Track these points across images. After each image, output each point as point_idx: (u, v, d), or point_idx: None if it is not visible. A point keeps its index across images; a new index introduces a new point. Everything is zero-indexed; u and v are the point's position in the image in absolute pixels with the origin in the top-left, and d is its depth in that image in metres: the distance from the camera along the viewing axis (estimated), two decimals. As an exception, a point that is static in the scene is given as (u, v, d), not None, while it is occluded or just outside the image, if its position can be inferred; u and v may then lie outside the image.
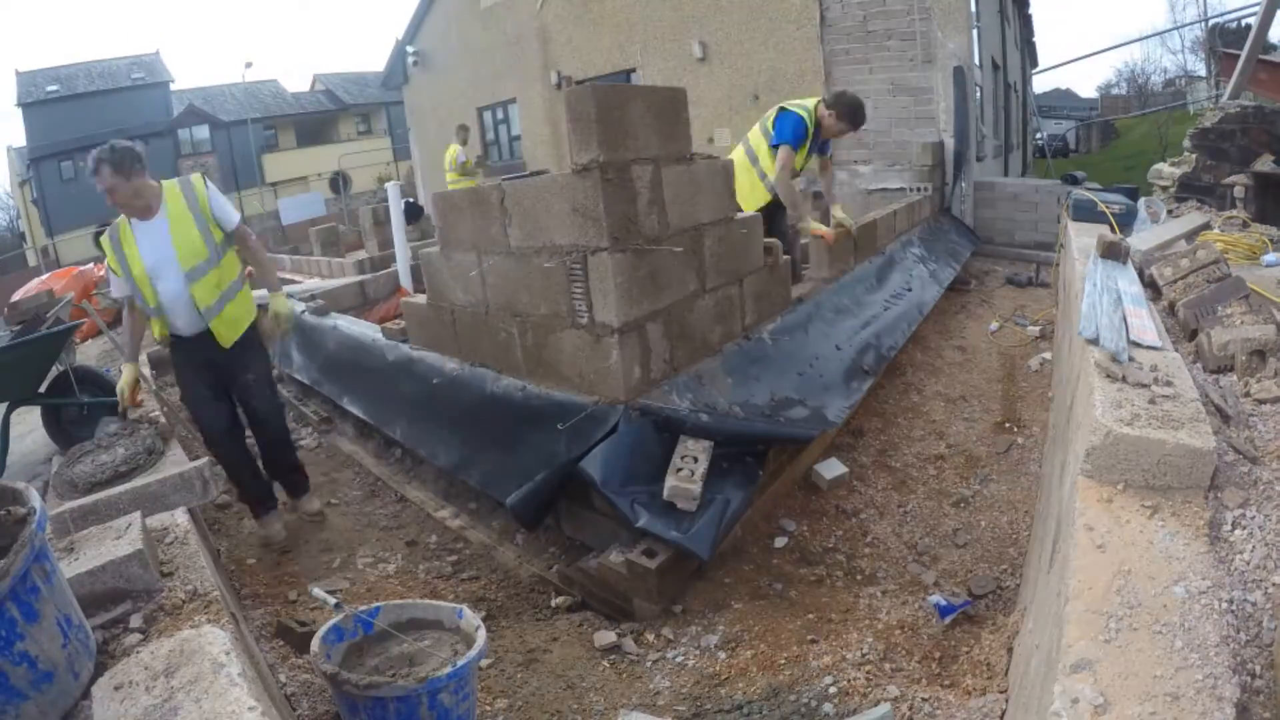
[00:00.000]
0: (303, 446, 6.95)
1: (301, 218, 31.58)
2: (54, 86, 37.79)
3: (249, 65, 78.58)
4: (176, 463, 4.40)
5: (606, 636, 3.63)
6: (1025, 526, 4.28)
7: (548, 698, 3.25)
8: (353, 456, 6.42)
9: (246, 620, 3.36)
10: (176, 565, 3.01)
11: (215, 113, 41.13)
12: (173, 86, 41.09)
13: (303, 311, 7.92)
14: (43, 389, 5.61)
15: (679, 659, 3.40)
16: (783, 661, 3.22)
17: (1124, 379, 2.62)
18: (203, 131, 40.35)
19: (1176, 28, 40.15)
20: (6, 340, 6.21)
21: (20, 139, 38.40)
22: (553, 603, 4.13)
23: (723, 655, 3.38)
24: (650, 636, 3.59)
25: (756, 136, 6.43)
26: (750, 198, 6.25)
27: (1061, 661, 1.69)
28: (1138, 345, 3.03)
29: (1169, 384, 2.58)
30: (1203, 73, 38.65)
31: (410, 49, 21.30)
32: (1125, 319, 3.32)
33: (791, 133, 6.09)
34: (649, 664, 3.41)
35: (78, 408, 5.77)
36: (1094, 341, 3.04)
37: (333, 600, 3.10)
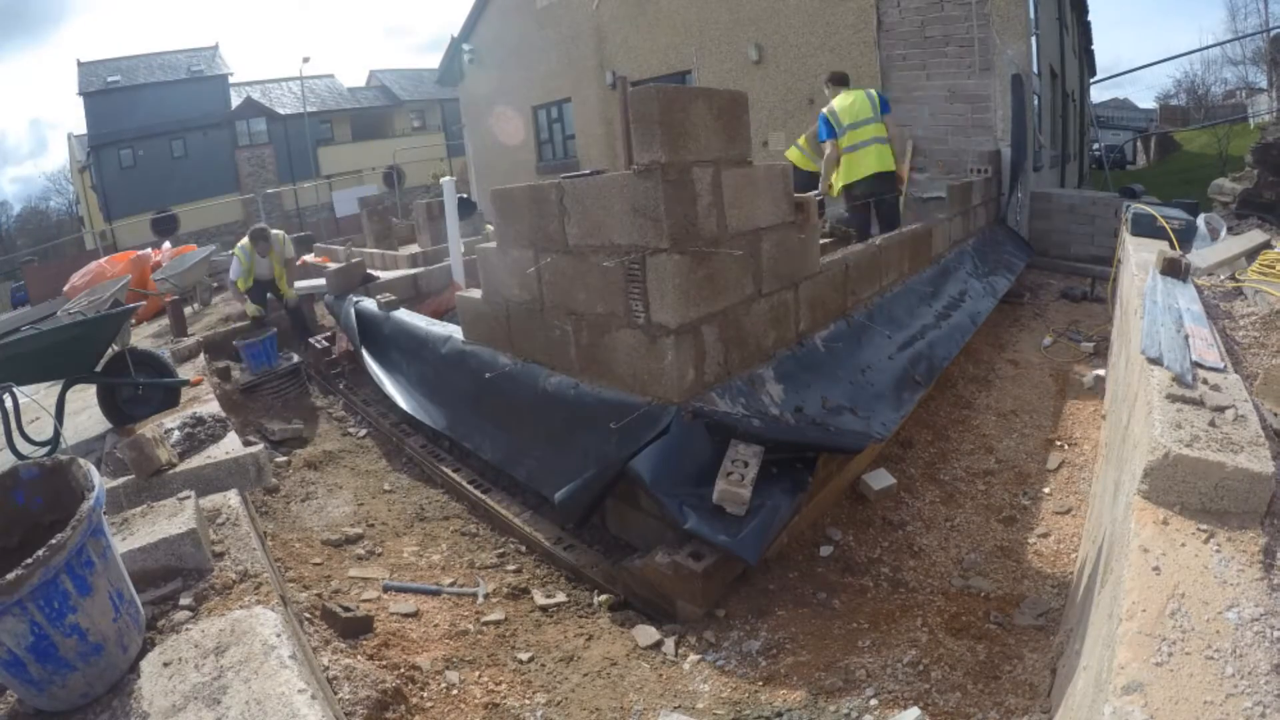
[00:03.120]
0: (351, 435, 7.07)
1: (356, 210, 32.23)
2: (115, 77, 38.71)
3: (306, 60, 79.56)
4: (230, 448, 4.50)
5: (650, 634, 3.65)
6: (1073, 546, 4.23)
7: (587, 695, 3.28)
8: (403, 446, 6.51)
9: (291, 603, 3.44)
10: (228, 546, 3.08)
11: (272, 105, 41.80)
12: (231, 79, 41.84)
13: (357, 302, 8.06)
14: (99, 368, 5.76)
15: (720, 663, 3.41)
16: (824, 671, 3.22)
17: (1185, 400, 2.60)
18: (260, 124, 41.05)
19: (1237, 38, 39.13)
20: (67, 320, 6.39)
21: (81, 127, 39.41)
22: (595, 600, 4.16)
23: (764, 662, 3.38)
24: (692, 639, 3.60)
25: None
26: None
27: (1113, 682, 1.69)
28: (1200, 366, 2.99)
29: (1231, 406, 2.55)
30: (1264, 84, 37.76)
31: (466, 46, 21.47)
32: (1188, 339, 3.28)
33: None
34: (688, 666, 3.42)
35: (133, 387, 5.91)
36: (1157, 361, 3.01)
37: None
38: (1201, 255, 5.86)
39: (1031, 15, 12.80)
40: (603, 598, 4.15)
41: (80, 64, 38.96)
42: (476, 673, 3.37)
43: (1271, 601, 1.85)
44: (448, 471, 5.74)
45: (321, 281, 9.81)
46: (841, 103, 8.14)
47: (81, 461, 2.46)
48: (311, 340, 9.35)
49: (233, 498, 3.54)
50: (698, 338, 4.17)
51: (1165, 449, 2.23)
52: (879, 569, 4.18)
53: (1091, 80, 28.95)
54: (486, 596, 4.17)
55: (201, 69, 41.01)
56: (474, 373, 5.60)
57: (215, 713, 2.04)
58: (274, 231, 10.05)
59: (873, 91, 8.15)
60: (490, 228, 9.39)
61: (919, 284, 7.18)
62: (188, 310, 12.05)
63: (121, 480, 3.97)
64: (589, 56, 17.40)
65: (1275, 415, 2.75)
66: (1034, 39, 13.07)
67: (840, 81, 8.44)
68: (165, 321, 11.46)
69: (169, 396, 6.04)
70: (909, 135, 11.55)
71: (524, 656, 3.55)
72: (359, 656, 3.24)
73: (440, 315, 7.99)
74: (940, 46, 11.18)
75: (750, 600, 3.84)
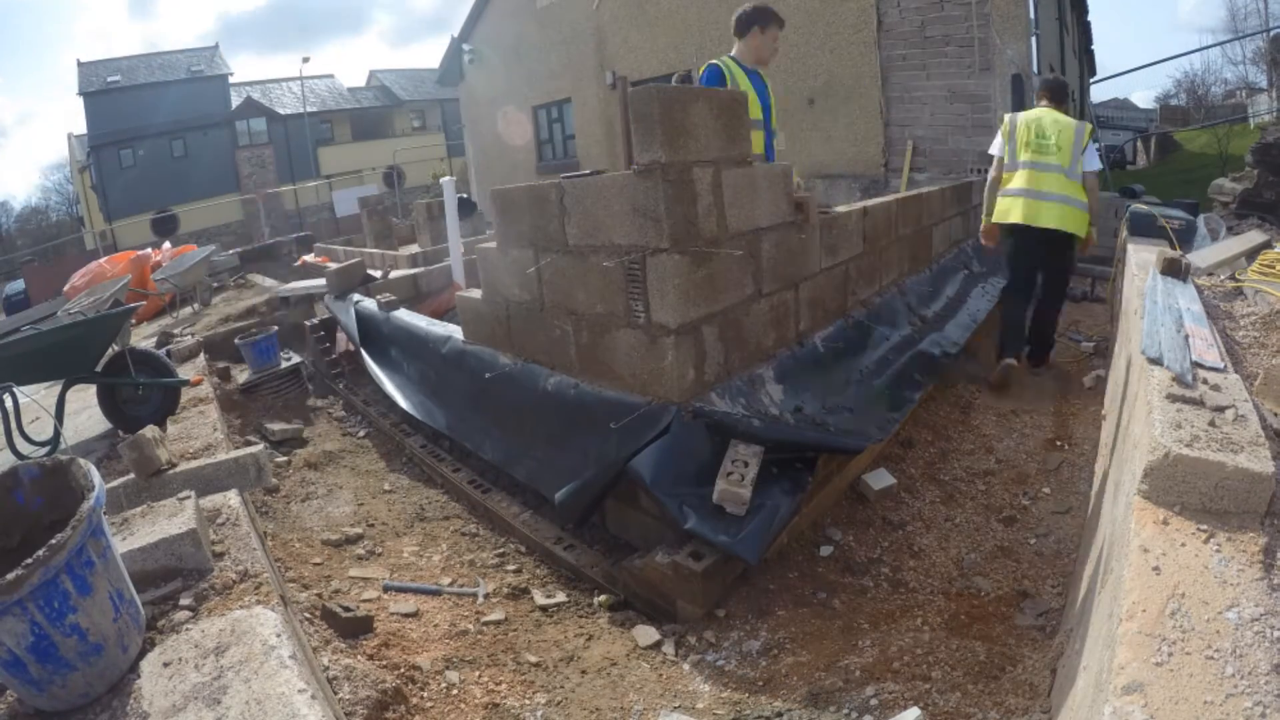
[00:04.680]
0: (351, 435, 7.08)
1: (356, 210, 32.24)
2: (115, 77, 38.75)
3: (306, 60, 79.70)
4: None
5: (650, 634, 3.66)
6: (1074, 546, 4.23)
7: (586, 695, 3.28)
8: (403, 446, 6.51)
9: (291, 603, 3.44)
10: (228, 546, 3.08)
11: (272, 105, 41.82)
12: (231, 79, 41.86)
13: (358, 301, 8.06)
14: (99, 368, 5.75)
15: (720, 663, 3.41)
16: (824, 671, 3.22)
17: (1185, 400, 2.59)
18: (260, 124, 41.07)
19: (1237, 38, 39.11)
20: (67, 320, 6.39)
21: (81, 127, 39.47)
22: (595, 600, 4.16)
23: (764, 662, 3.38)
24: (692, 639, 3.60)
25: None
26: None
27: (1113, 683, 1.69)
28: (1200, 366, 2.99)
29: (1231, 406, 2.54)
30: (1264, 84, 37.77)
31: (466, 46, 21.47)
32: (1188, 339, 3.27)
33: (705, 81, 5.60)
34: (689, 666, 3.43)
35: (133, 387, 5.90)
36: (1157, 361, 3.00)
37: None
38: (1201, 255, 5.85)
39: (1031, 15, 12.79)
40: (602, 598, 4.15)
41: (80, 64, 38.99)
42: (476, 673, 3.37)
43: (1271, 601, 1.85)
44: (448, 472, 5.74)
45: (321, 281, 9.81)
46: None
47: (82, 461, 2.46)
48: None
49: (233, 498, 3.53)
50: (698, 338, 4.17)
51: (1165, 449, 2.22)
52: (879, 569, 4.18)
53: (1091, 80, 28.93)
54: (486, 596, 4.17)
55: (201, 69, 41.04)
56: (474, 373, 5.60)
57: (215, 713, 2.04)
58: None
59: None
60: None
61: (919, 284, 7.18)
62: (187, 310, 12.06)
63: (121, 480, 3.97)
64: (589, 56, 17.39)
65: (1275, 415, 2.75)
66: (1034, 39, 13.07)
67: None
68: (165, 321, 11.50)
69: (169, 397, 6.04)
70: (909, 135, 11.57)
71: (524, 657, 3.56)
72: (359, 656, 3.24)
73: (440, 315, 7.99)
74: (940, 46, 11.16)
75: (750, 600, 3.83)
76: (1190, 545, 2.06)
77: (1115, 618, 1.92)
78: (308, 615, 3.51)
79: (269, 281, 14.39)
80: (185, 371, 7.15)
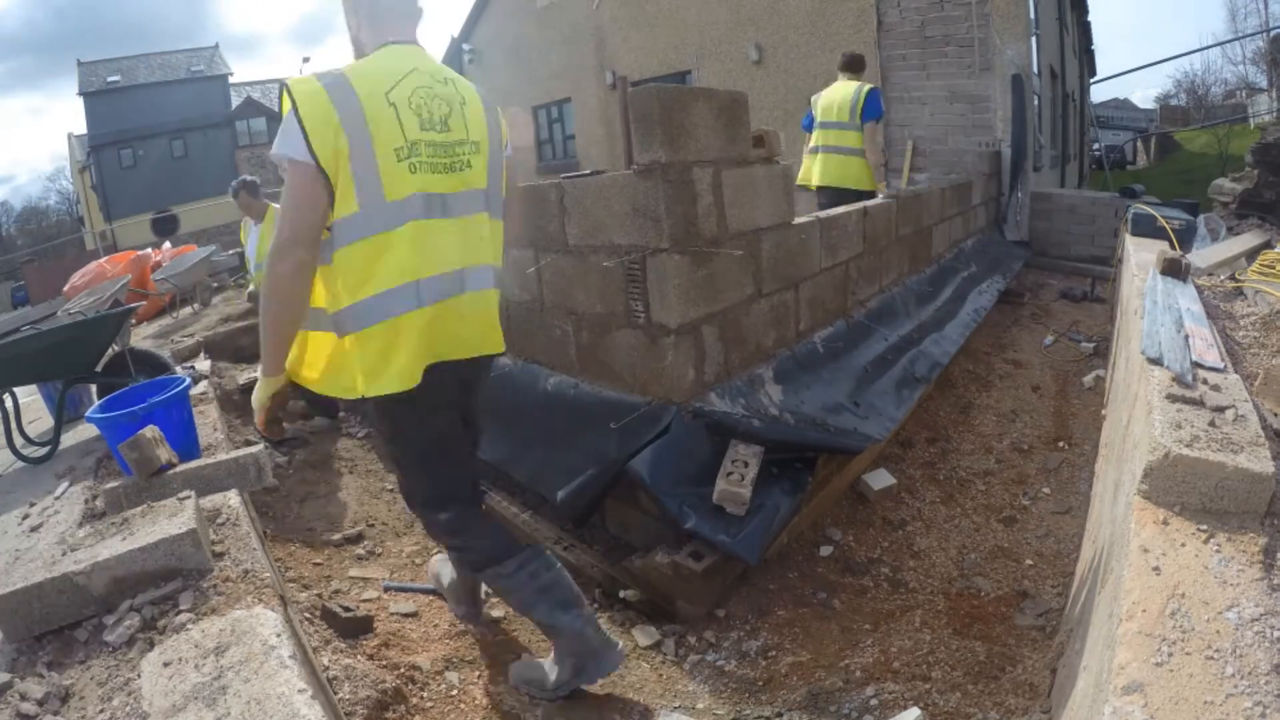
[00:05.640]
0: (351, 435, 7.06)
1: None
2: (115, 77, 38.81)
3: (306, 60, 79.70)
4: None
5: (650, 634, 3.65)
6: (1074, 546, 4.23)
7: (586, 694, 3.28)
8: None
9: (291, 603, 3.43)
10: (228, 546, 3.07)
11: (273, 105, 41.83)
12: (231, 79, 41.90)
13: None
14: (99, 368, 5.75)
15: (719, 663, 3.41)
16: (824, 670, 3.23)
17: (1185, 400, 2.60)
18: (260, 124, 41.09)
19: (1237, 38, 39.17)
20: (67, 320, 6.39)
21: (81, 127, 39.53)
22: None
23: (764, 662, 3.38)
24: (692, 639, 3.60)
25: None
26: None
27: (1113, 683, 1.69)
28: (1199, 366, 2.99)
29: (1231, 407, 2.54)
30: (1264, 84, 37.84)
31: (466, 46, 21.48)
32: (1188, 339, 3.28)
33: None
34: (689, 666, 3.43)
35: None
36: (1157, 361, 3.00)
37: None
38: (1201, 255, 5.86)
39: (1031, 15, 12.81)
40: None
41: (80, 64, 39.04)
42: (477, 673, 3.37)
43: (1271, 601, 1.85)
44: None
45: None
46: (826, 94, 7.64)
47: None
48: None
49: (233, 498, 3.52)
50: (698, 338, 4.16)
51: (1165, 449, 2.22)
52: (879, 569, 4.18)
53: (1091, 80, 28.95)
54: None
55: (201, 69, 41.10)
56: (473, 373, 5.58)
57: (215, 713, 2.03)
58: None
59: (867, 89, 7.40)
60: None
61: (919, 284, 7.18)
62: (187, 310, 12.06)
63: (121, 480, 3.96)
64: (589, 56, 17.40)
65: (1275, 415, 2.75)
66: (1034, 39, 13.09)
67: (847, 67, 7.65)
68: (165, 321, 11.50)
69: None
70: (909, 135, 11.56)
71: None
72: (359, 656, 3.24)
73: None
74: (940, 46, 11.16)
75: (750, 600, 3.83)
76: (1190, 545, 2.06)
77: (1115, 618, 1.92)
78: (308, 615, 3.50)
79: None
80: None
